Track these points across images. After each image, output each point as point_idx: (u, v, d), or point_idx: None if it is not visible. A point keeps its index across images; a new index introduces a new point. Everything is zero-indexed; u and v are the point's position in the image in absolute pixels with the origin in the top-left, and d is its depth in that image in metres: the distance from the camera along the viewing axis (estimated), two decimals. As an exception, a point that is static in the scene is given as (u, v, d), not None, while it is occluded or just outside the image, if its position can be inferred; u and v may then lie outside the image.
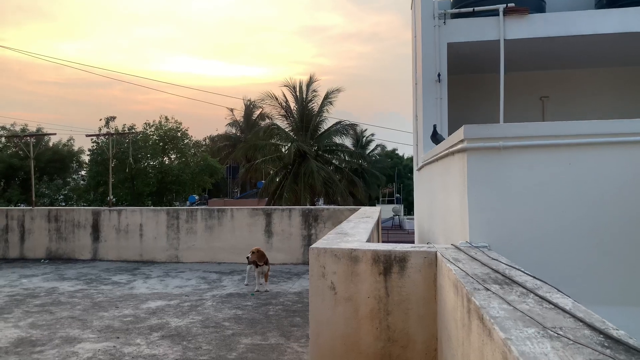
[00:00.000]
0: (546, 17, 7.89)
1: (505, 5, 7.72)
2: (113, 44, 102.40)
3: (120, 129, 29.30)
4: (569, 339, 1.57)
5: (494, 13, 7.82)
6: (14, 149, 29.32)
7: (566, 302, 2.01)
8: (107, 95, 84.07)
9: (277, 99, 28.06)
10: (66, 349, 5.17)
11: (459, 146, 3.96)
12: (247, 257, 7.85)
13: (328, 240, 4.11)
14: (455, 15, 8.22)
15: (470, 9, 8.05)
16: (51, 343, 5.39)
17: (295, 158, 26.40)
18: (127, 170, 24.28)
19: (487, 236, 3.72)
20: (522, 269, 2.69)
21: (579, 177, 3.77)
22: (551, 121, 8.91)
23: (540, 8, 8.23)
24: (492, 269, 2.73)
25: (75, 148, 33.94)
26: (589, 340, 1.56)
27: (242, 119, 44.29)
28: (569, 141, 3.79)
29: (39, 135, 23.91)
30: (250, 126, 41.57)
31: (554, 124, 4.06)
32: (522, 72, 9.81)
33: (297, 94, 28.50)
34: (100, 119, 28.48)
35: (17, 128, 30.42)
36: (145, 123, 31.29)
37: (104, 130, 27.73)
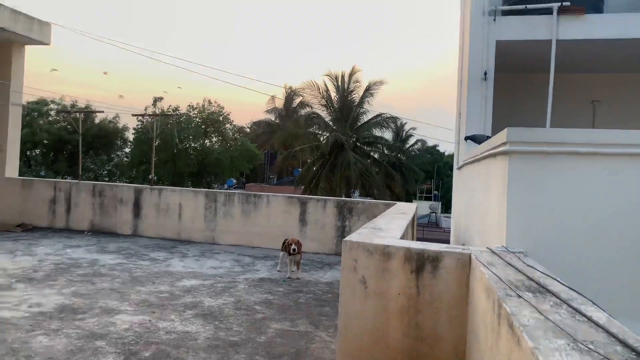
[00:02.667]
0: (603, 18, 7.60)
1: (560, 3, 7.47)
2: (158, 26, 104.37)
3: (165, 109, 30.09)
4: (599, 353, 1.57)
5: (547, 11, 7.59)
6: (63, 123, 30.58)
7: (600, 316, 1.99)
8: (152, 76, 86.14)
9: (318, 88, 28.19)
10: (105, 319, 5.44)
11: (501, 148, 3.91)
12: (294, 249, 7.93)
13: (361, 234, 4.15)
14: (506, 13, 8.02)
15: (523, 6, 7.83)
16: (91, 312, 5.68)
17: (332, 148, 26.47)
18: (174, 152, 24.97)
19: (524, 242, 3.68)
20: (558, 279, 2.67)
21: (626, 188, 3.66)
22: (602, 127, 8.61)
23: (598, 8, 7.92)
24: (527, 276, 2.71)
25: (121, 125, 35.11)
26: (620, 356, 1.56)
27: (282, 107, 44.59)
28: (617, 150, 3.68)
29: (88, 112, 24.83)
30: (290, 114, 41.84)
31: (602, 131, 3.94)
32: (574, 74, 9.49)
33: (339, 84, 28.52)
34: (163, 92, 29.42)
35: (67, 103, 31.70)
36: (189, 105, 32.02)
37: (150, 110, 28.54)
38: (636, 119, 9.05)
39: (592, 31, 7.52)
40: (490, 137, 5.70)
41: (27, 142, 28.44)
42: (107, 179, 31.48)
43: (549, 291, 2.39)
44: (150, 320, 5.48)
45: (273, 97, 43.83)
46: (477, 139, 6.77)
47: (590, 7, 7.73)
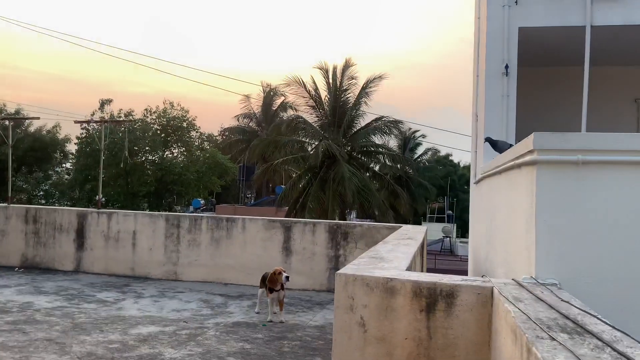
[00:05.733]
0: (647, 0, 7.76)
1: (594, -18, 7.63)
2: (114, 15, 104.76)
3: (115, 114, 30.00)
4: (650, 407, 1.58)
5: (580, -8, 7.74)
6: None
7: (651, 361, 2.00)
8: (102, 74, 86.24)
9: (304, 85, 28.14)
10: (40, 378, 5.36)
11: (527, 158, 3.96)
12: (287, 277, 7.86)
13: (359, 265, 4.15)
14: (531, -6, 8.16)
15: (551, -14, 7.98)
16: (23, 369, 5.59)
17: (323, 159, 26.49)
18: (121, 165, 24.83)
19: (557, 271, 3.70)
20: (599, 316, 2.68)
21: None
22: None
23: (640, -13, 8.09)
24: (561, 314, 2.73)
25: (61, 135, 34.90)
26: (676, 410, 1.56)
27: (259, 110, 44.73)
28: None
29: (19, 119, 24.72)
30: (270, 118, 41.99)
31: (650, 135, 4.00)
32: (613, 67, 9.65)
33: (330, 80, 28.50)
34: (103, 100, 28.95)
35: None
36: (146, 109, 31.95)
37: (97, 116, 28.46)
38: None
39: (634, 15, 7.67)
40: (513, 145, 5.76)
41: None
42: (43, 201, 31.23)
43: (588, 331, 2.41)
44: (97, 378, 5.40)
45: (248, 97, 43.96)
46: (498, 146, 6.83)
47: (631, -14, 7.90)
